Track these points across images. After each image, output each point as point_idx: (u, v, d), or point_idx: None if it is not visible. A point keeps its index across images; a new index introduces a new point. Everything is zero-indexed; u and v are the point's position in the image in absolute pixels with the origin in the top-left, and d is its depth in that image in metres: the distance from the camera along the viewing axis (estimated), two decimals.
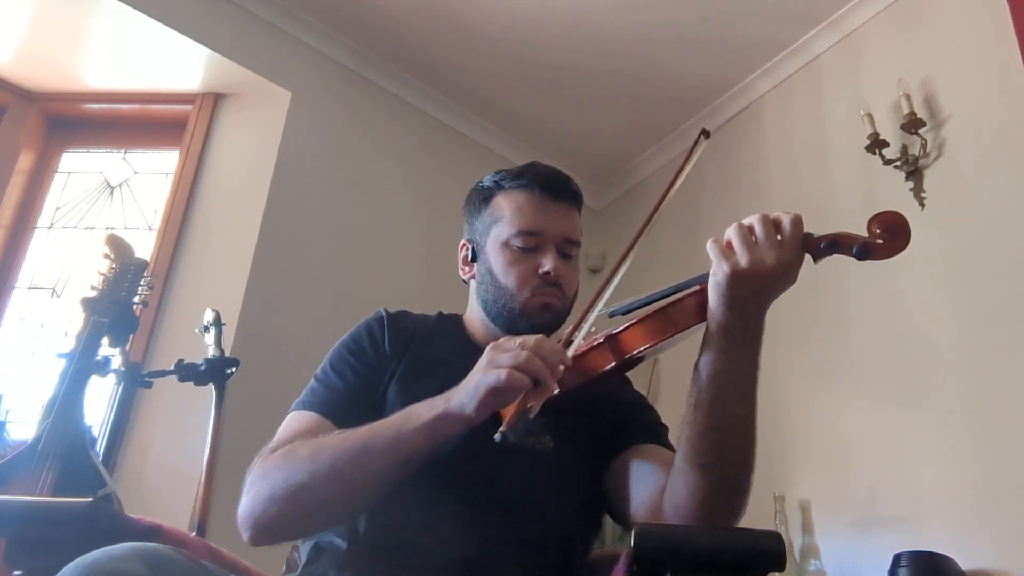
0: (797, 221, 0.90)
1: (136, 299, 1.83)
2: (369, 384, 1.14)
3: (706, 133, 1.07)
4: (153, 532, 1.04)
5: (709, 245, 0.91)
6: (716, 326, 0.91)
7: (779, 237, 0.89)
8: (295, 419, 1.12)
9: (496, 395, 0.91)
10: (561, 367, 0.93)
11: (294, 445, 1.03)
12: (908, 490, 2.05)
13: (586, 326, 1.01)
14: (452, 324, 1.28)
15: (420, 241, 2.88)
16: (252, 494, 1.01)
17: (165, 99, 2.86)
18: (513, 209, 1.20)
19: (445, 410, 0.95)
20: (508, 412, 0.94)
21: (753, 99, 2.98)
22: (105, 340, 1.77)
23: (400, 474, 0.97)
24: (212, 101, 2.84)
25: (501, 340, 0.97)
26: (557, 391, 0.94)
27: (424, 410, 0.97)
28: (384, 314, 1.23)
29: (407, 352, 1.18)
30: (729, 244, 0.90)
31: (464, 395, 0.94)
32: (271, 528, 1.00)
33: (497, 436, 0.89)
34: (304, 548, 1.11)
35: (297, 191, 2.67)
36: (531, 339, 0.94)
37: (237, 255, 2.51)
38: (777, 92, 2.91)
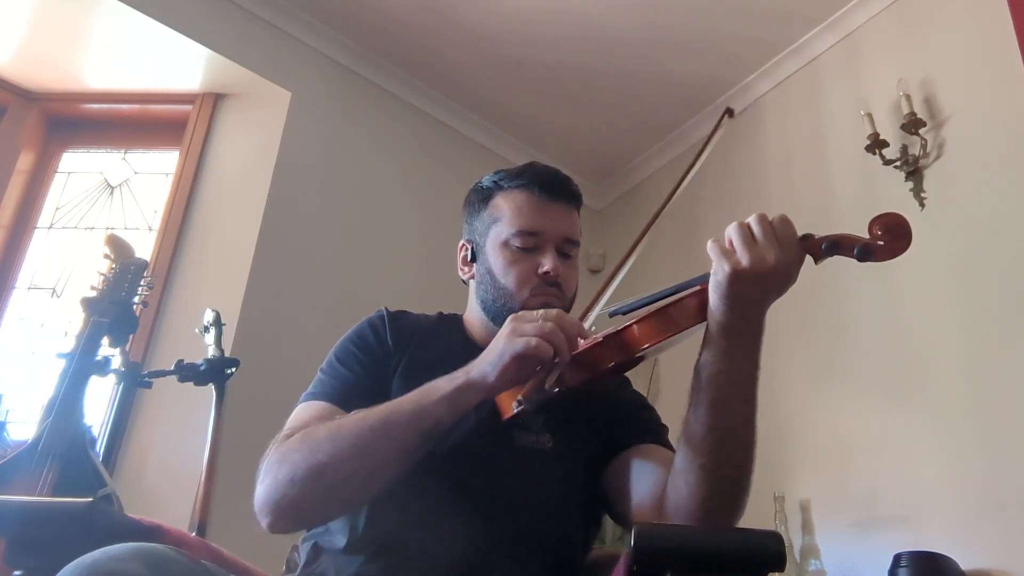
0: (784, 220, 0.90)
1: (136, 299, 1.82)
2: (375, 375, 1.14)
3: (730, 112, 1.08)
4: (153, 532, 1.04)
5: (710, 245, 0.91)
6: (716, 326, 0.91)
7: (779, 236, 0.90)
8: (305, 409, 1.11)
9: (520, 363, 0.93)
10: (580, 340, 0.95)
11: (311, 428, 1.02)
12: (908, 490, 2.05)
13: (602, 301, 1.03)
14: (452, 324, 1.28)
15: (420, 241, 2.88)
16: (270, 479, 0.99)
17: (165, 99, 2.86)
18: (512, 209, 1.20)
19: (467, 380, 0.96)
20: (517, 393, 0.95)
21: (753, 99, 2.98)
22: (105, 340, 1.77)
23: (422, 447, 0.98)
24: (212, 101, 2.84)
25: (521, 312, 1.00)
26: (557, 390, 0.94)
27: (444, 383, 0.98)
28: (385, 312, 1.23)
29: (408, 350, 1.18)
30: (730, 243, 0.90)
31: (487, 364, 0.95)
32: (292, 511, 0.99)
33: (514, 405, 0.91)
34: (303, 548, 1.11)
35: (297, 191, 2.67)
36: (552, 311, 0.96)
37: (237, 255, 2.51)
38: (777, 92, 2.91)
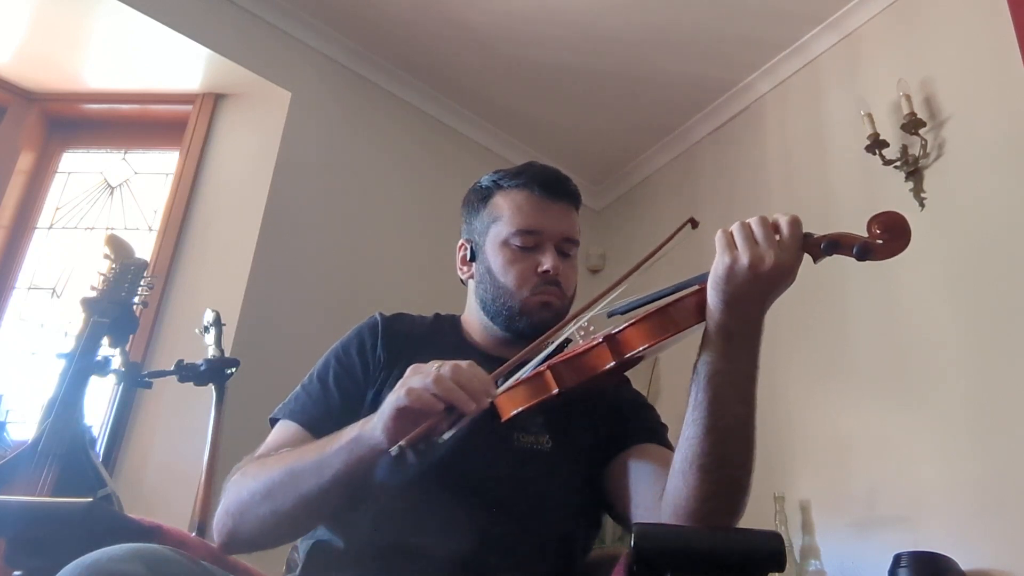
0: (795, 222, 0.90)
1: (136, 299, 1.83)
2: (351, 396, 1.14)
3: (693, 223, 1.07)
4: (153, 532, 1.04)
5: (718, 235, 0.91)
6: (715, 326, 0.91)
7: (778, 238, 0.90)
8: (279, 431, 1.14)
9: (402, 416, 0.89)
10: (486, 397, 0.91)
11: (250, 465, 1.06)
12: (908, 490, 2.05)
13: (601, 303, 1.00)
14: (449, 325, 1.28)
15: (419, 241, 2.88)
16: (220, 506, 1.05)
17: (165, 99, 2.86)
18: (512, 208, 1.20)
19: (359, 432, 0.94)
20: (513, 402, 0.93)
21: (753, 99, 2.98)
22: (105, 340, 1.77)
23: (326, 497, 0.97)
24: (212, 101, 2.84)
25: (418, 365, 0.94)
26: (557, 391, 0.94)
27: (346, 432, 0.96)
28: (379, 319, 1.22)
29: (402, 356, 1.17)
30: (732, 239, 0.90)
31: (377, 418, 0.92)
32: (229, 541, 1.03)
33: (393, 450, 0.87)
34: (303, 548, 1.11)
35: (297, 191, 2.67)
36: (451, 363, 0.91)
37: (237, 255, 2.51)
38: (777, 92, 2.91)
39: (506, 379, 0.97)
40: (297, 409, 1.14)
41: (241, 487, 1.02)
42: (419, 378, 0.90)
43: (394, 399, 0.90)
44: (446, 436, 0.89)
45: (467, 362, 0.93)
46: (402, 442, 0.87)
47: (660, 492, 1.00)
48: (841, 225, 0.94)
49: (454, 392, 0.88)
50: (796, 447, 2.34)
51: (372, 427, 0.92)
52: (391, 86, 3.06)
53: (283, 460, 1.01)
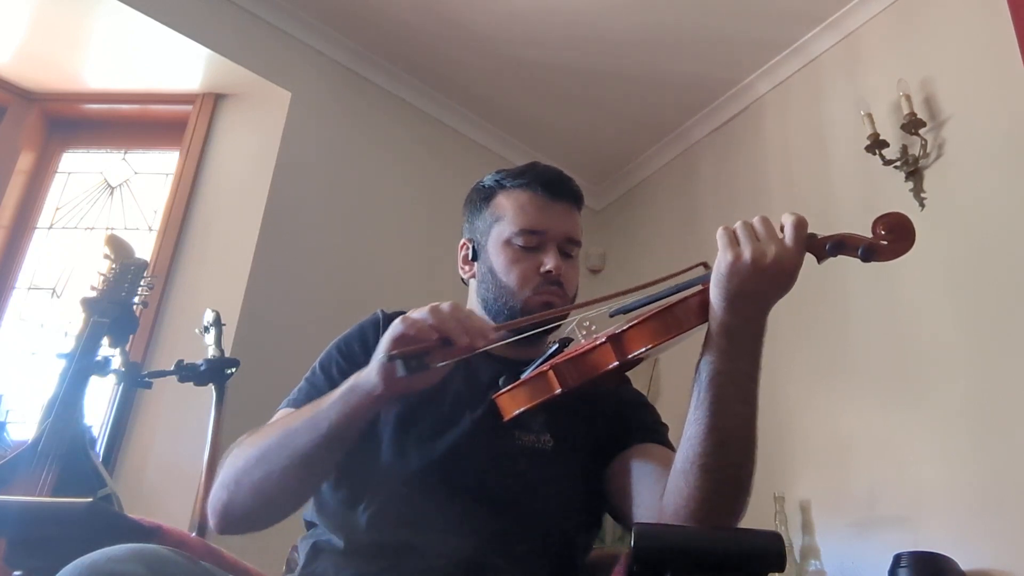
0: (800, 222, 0.90)
1: (136, 299, 1.83)
2: None
3: (706, 267, 1.05)
4: (153, 532, 1.04)
5: (720, 231, 0.91)
6: (717, 326, 0.91)
7: (782, 236, 0.90)
8: (279, 415, 1.14)
9: (399, 345, 0.92)
10: (481, 338, 0.93)
11: (248, 436, 1.06)
12: (908, 490, 2.05)
13: (605, 304, 1.01)
14: None
15: (420, 241, 2.88)
16: (215, 482, 1.05)
17: (165, 99, 2.86)
18: (515, 208, 1.20)
19: (354, 382, 0.97)
20: (518, 400, 0.95)
21: (753, 99, 2.98)
22: (105, 340, 1.77)
23: (322, 454, 0.99)
24: (212, 101, 2.84)
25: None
26: (560, 390, 0.94)
27: (342, 384, 0.99)
28: (380, 316, 1.22)
29: None
30: (735, 235, 0.91)
31: (373, 361, 0.95)
32: (225, 516, 1.03)
33: (384, 356, 0.90)
34: (303, 548, 1.11)
35: (297, 191, 2.67)
36: (450, 302, 0.95)
37: (237, 255, 2.51)
38: (777, 92, 2.91)
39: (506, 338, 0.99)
40: (301, 398, 1.15)
41: (237, 457, 1.03)
42: (417, 312, 0.94)
43: (391, 331, 0.93)
44: (439, 365, 0.92)
45: (453, 302, 0.96)
46: (394, 351, 0.90)
47: (661, 492, 1.00)
48: (841, 225, 0.94)
49: (449, 323, 0.92)
50: (796, 447, 2.34)
51: (368, 372, 0.94)
52: (391, 86, 3.06)
53: (280, 423, 1.03)
